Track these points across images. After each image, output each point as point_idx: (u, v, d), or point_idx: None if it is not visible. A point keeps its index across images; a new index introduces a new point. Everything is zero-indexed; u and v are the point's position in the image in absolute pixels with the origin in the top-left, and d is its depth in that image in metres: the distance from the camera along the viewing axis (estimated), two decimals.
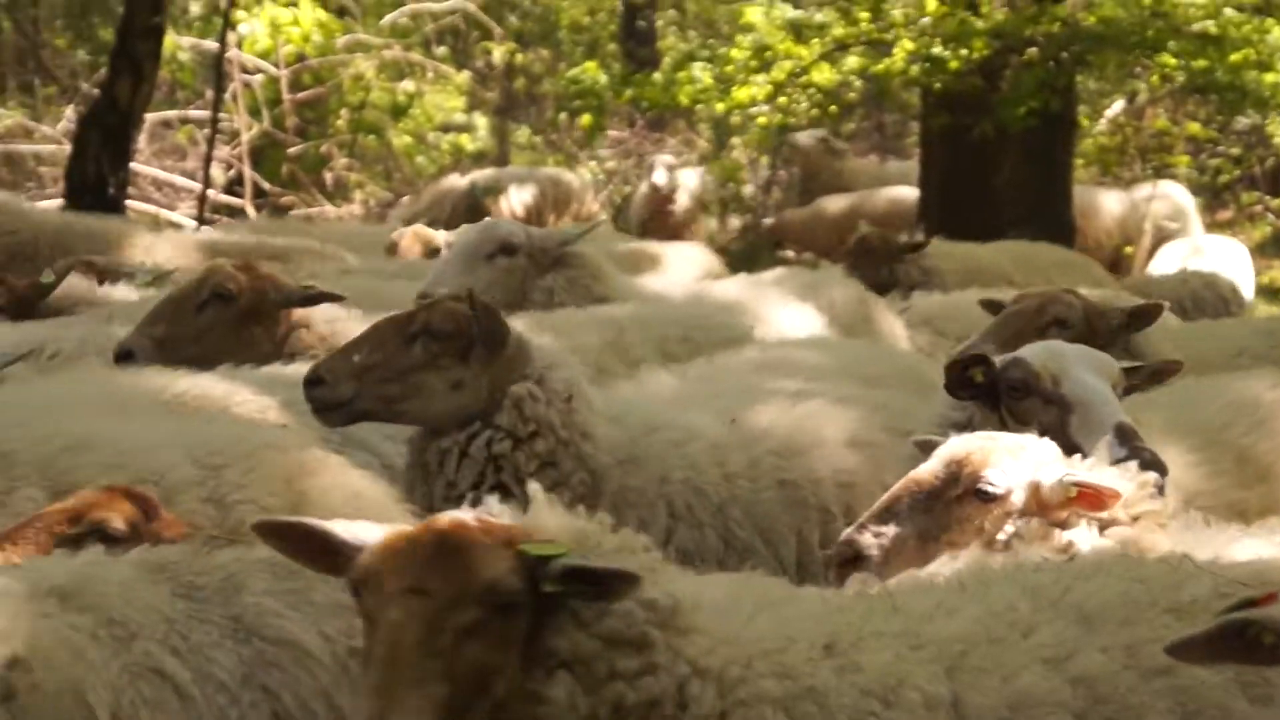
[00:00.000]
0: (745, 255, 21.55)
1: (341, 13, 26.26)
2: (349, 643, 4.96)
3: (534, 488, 4.56)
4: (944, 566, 5.29)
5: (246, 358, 8.37)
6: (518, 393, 7.07)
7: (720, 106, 20.32)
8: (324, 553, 4.33)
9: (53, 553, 5.30)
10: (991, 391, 6.70)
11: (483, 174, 22.16)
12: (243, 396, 7.78)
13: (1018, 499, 5.60)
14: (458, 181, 21.52)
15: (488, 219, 11.05)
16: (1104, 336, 8.41)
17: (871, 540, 5.61)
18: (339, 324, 8.83)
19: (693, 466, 7.30)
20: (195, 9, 27.08)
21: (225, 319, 8.79)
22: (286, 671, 4.94)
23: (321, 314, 8.93)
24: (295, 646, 4.98)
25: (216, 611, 4.96)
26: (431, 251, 13.25)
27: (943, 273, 14.02)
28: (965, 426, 6.40)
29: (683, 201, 21.77)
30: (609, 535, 4.42)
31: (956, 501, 5.63)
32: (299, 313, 8.91)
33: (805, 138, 23.43)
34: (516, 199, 21.01)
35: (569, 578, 4.15)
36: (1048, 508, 5.58)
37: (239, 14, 23.55)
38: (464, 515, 4.27)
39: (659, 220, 21.27)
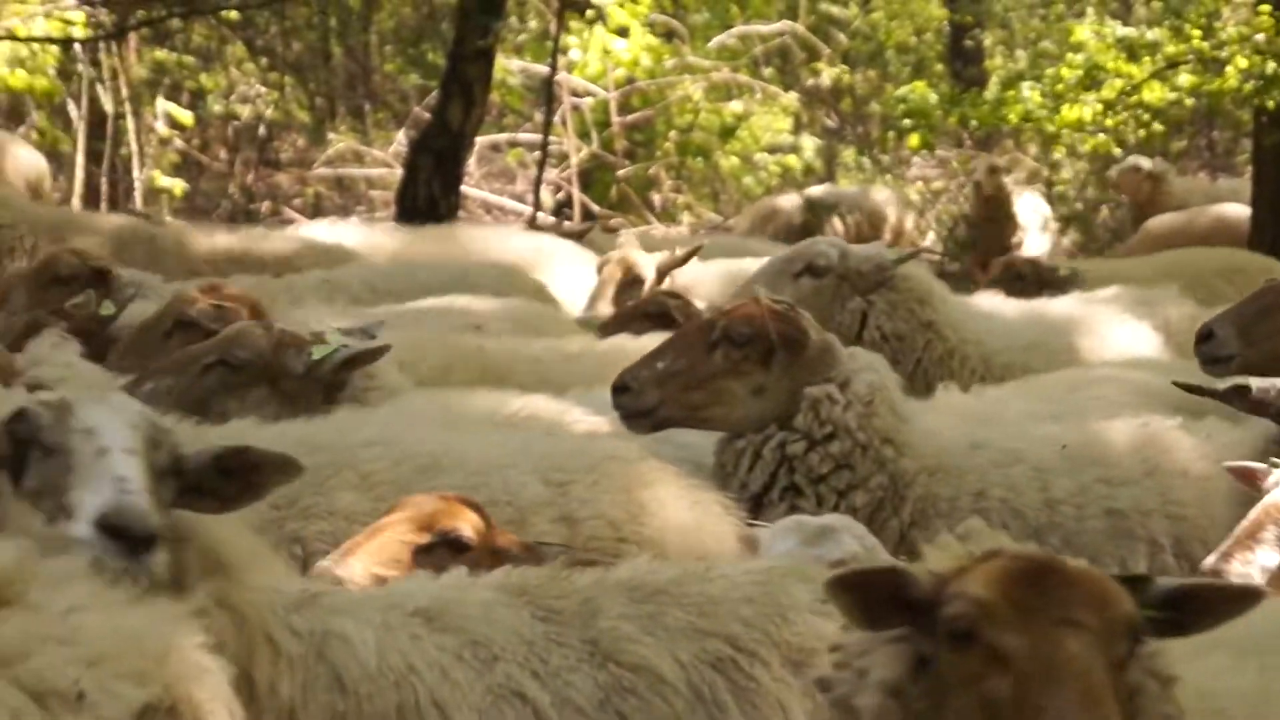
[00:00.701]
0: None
1: (670, 36, 26.38)
2: (702, 669, 4.93)
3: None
4: None
5: None
6: (815, 395, 7.15)
7: (1051, 126, 19.93)
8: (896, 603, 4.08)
9: (409, 563, 5.36)
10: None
11: (817, 190, 22.06)
12: (575, 415, 7.81)
13: None
14: (782, 201, 21.43)
15: (812, 238, 10.94)
16: None
17: (1240, 569, 5.43)
18: None
19: (1013, 488, 7.24)
20: (525, 34, 27.40)
21: None
22: (641, 698, 4.92)
23: None
24: (650, 672, 4.94)
25: (574, 635, 4.96)
26: (632, 280, 12.93)
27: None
28: None
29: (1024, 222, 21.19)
30: None
31: None
32: None
33: (1120, 168, 22.85)
34: (849, 218, 20.87)
35: (1167, 603, 3.97)
36: None
37: (569, 39, 23.79)
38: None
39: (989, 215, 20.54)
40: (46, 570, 4.06)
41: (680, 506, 6.64)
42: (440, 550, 5.46)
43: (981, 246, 19.09)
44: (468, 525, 5.61)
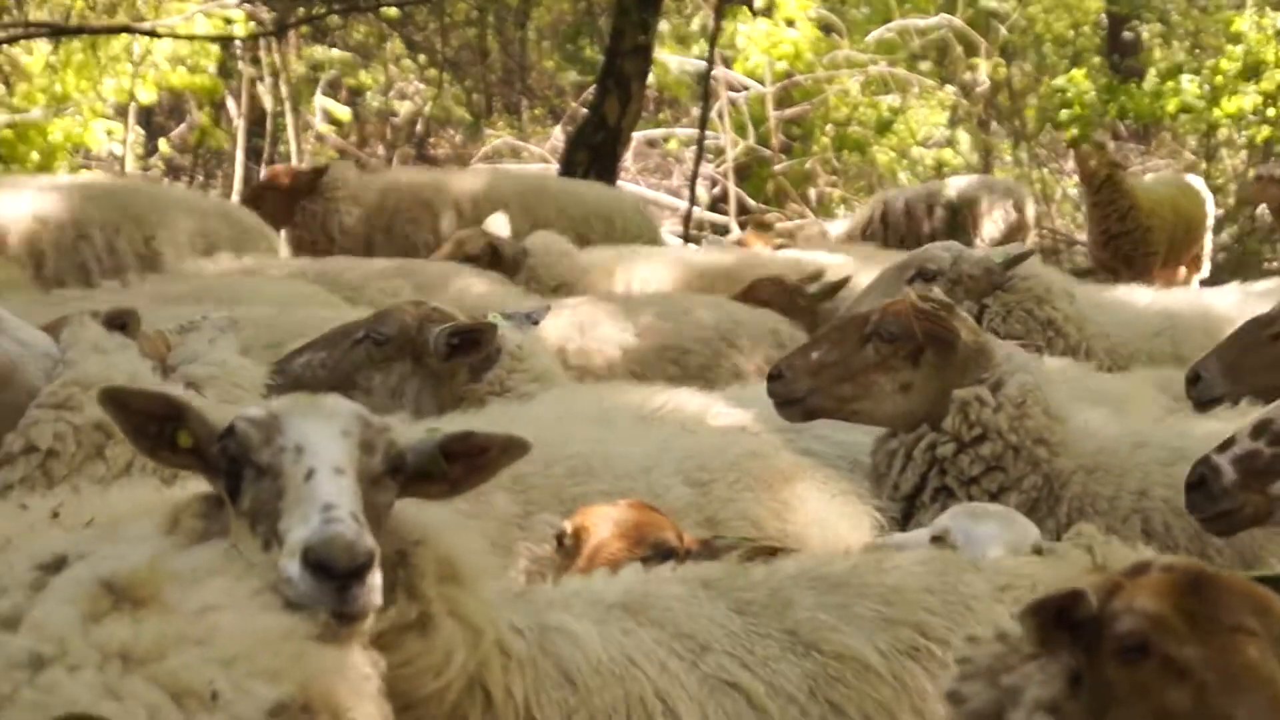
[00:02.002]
0: (1231, 266, 20.84)
1: (828, 30, 26.28)
2: (900, 657, 4.94)
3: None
4: None
5: None
6: (963, 396, 7.16)
7: (1211, 116, 19.69)
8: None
9: None
10: None
11: (955, 183, 21.79)
12: (718, 408, 7.82)
13: None
14: (889, 194, 21.01)
15: (928, 245, 10.86)
16: None
17: None
18: None
19: (1175, 486, 7.08)
20: (683, 28, 27.41)
21: None
22: (849, 686, 4.90)
23: None
24: (856, 660, 4.92)
25: (773, 625, 4.95)
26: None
27: None
28: None
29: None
30: None
31: None
32: None
33: (1242, 183, 22.40)
34: (996, 213, 20.58)
35: None
36: None
37: (730, 29, 23.77)
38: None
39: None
40: (181, 569, 4.07)
41: (820, 500, 6.68)
42: (653, 562, 5.43)
43: (1094, 231, 18.63)
44: (671, 533, 5.61)
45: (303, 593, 4.06)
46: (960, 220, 19.03)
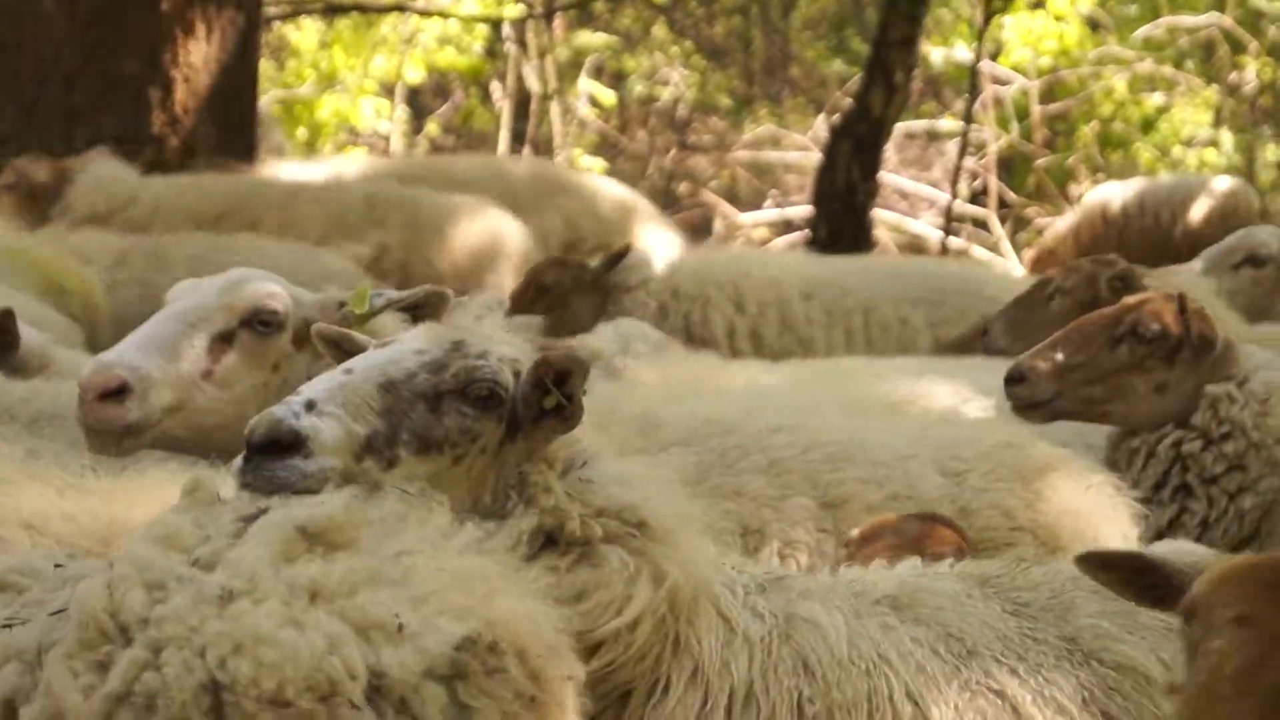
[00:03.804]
0: None
1: (1095, 26, 25.96)
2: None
3: None
4: None
5: None
6: (1215, 393, 7.07)
7: None
8: (1153, 585, 4.18)
9: None
10: None
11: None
12: (968, 396, 7.80)
13: None
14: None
15: (1250, 227, 10.67)
16: None
17: None
18: None
19: None
20: (951, 20, 27.25)
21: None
22: (1128, 698, 4.80)
23: None
24: (1136, 672, 4.82)
25: (1051, 631, 4.86)
26: None
27: None
28: None
29: None
30: None
31: None
32: None
33: None
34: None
35: None
36: None
37: (999, 21, 23.58)
38: None
39: None
40: (374, 515, 4.17)
41: (1074, 492, 6.58)
42: None
43: None
44: (950, 547, 5.60)
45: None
46: None
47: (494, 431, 4.54)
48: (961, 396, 7.86)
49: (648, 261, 11.21)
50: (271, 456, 4.25)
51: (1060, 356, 7.13)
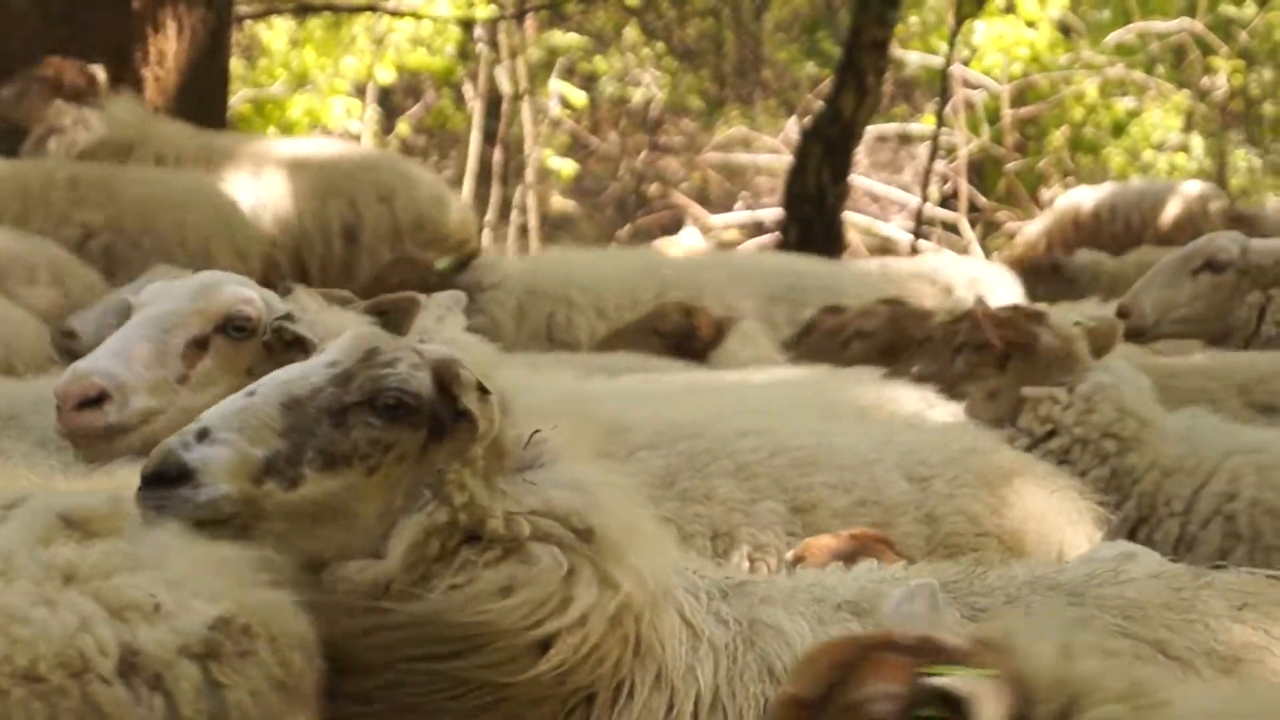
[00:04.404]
0: None
1: (1066, 31, 26.03)
2: None
3: None
4: None
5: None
6: (1035, 395, 7.54)
7: None
8: None
9: None
10: None
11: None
12: (935, 402, 7.87)
13: None
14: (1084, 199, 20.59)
15: (1211, 234, 10.69)
16: None
17: None
18: None
19: (1274, 488, 7.31)
20: (920, 24, 27.31)
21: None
22: None
23: None
24: None
25: None
26: None
27: None
28: None
29: None
30: None
31: None
32: None
33: None
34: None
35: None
36: None
37: (968, 28, 23.64)
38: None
39: None
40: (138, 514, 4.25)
41: (1038, 497, 6.62)
42: None
43: None
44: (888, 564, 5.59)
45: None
46: None
47: (411, 438, 4.48)
48: (925, 402, 7.89)
49: (500, 263, 11.30)
50: (161, 488, 4.27)
51: (916, 369, 7.84)
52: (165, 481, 4.27)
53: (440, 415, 4.51)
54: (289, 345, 5.77)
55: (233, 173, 13.34)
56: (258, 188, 13.30)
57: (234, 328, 6.07)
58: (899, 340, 8.77)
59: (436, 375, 4.52)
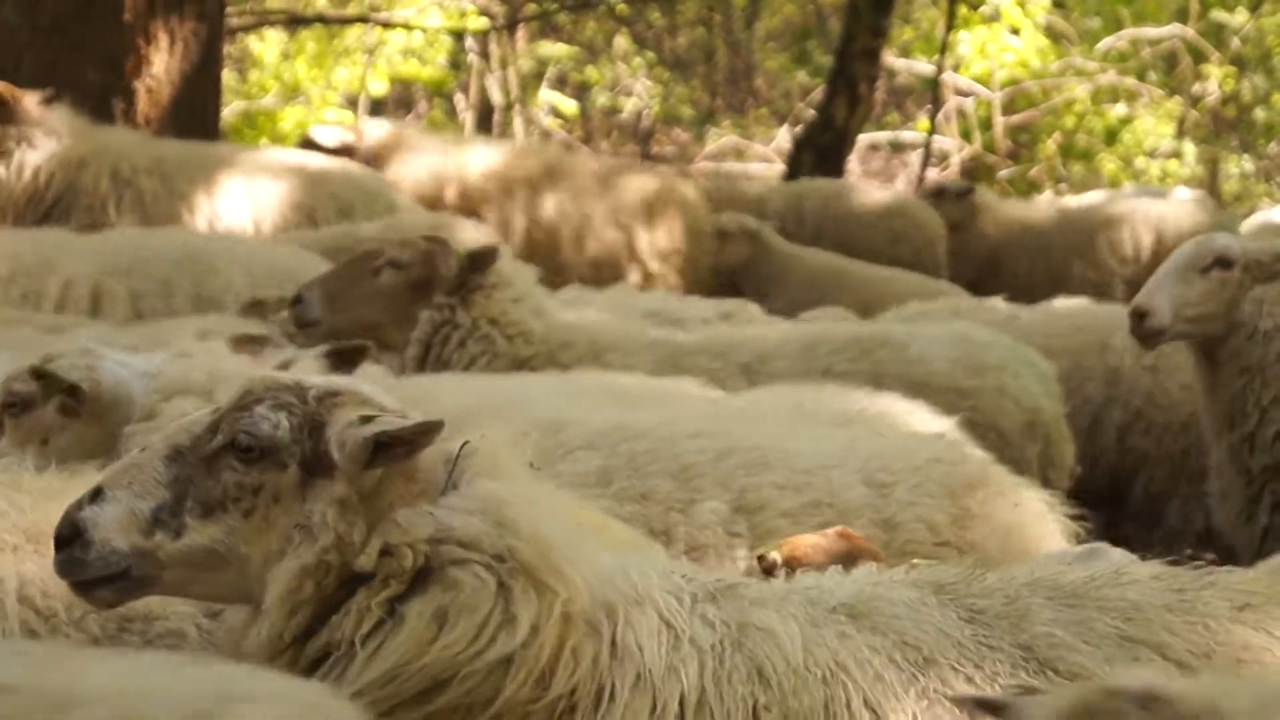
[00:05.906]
0: None
1: (1057, 38, 26.06)
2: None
3: None
4: None
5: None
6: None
7: None
8: None
9: None
10: None
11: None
12: (922, 414, 7.81)
13: None
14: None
15: (1208, 234, 10.73)
16: None
17: None
18: None
19: None
20: (912, 33, 27.35)
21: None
22: None
23: None
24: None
25: (1005, 639, 4.74)
26: None
27: None
28: None
29: None
30: None
31: None
32: None
33: None
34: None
35: None
36: None
37: (956, 36, 23.66)
38: None
39: None
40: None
41: (1003, 509, 6.56)
42: None
43: None
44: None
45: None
46: None
47: (279, 478, 4.43)
48: (914, 411, 7.87)
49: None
50: (60, 550, 4.35)
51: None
52: (62, 543, 4.35)
53: (316, 452, 4.47)
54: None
55: (187, 184, 13.23)
56: (213, 199, 13.20)
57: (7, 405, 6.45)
58: (432, 276, 8.75)
59: (308, 413, 4.49)
